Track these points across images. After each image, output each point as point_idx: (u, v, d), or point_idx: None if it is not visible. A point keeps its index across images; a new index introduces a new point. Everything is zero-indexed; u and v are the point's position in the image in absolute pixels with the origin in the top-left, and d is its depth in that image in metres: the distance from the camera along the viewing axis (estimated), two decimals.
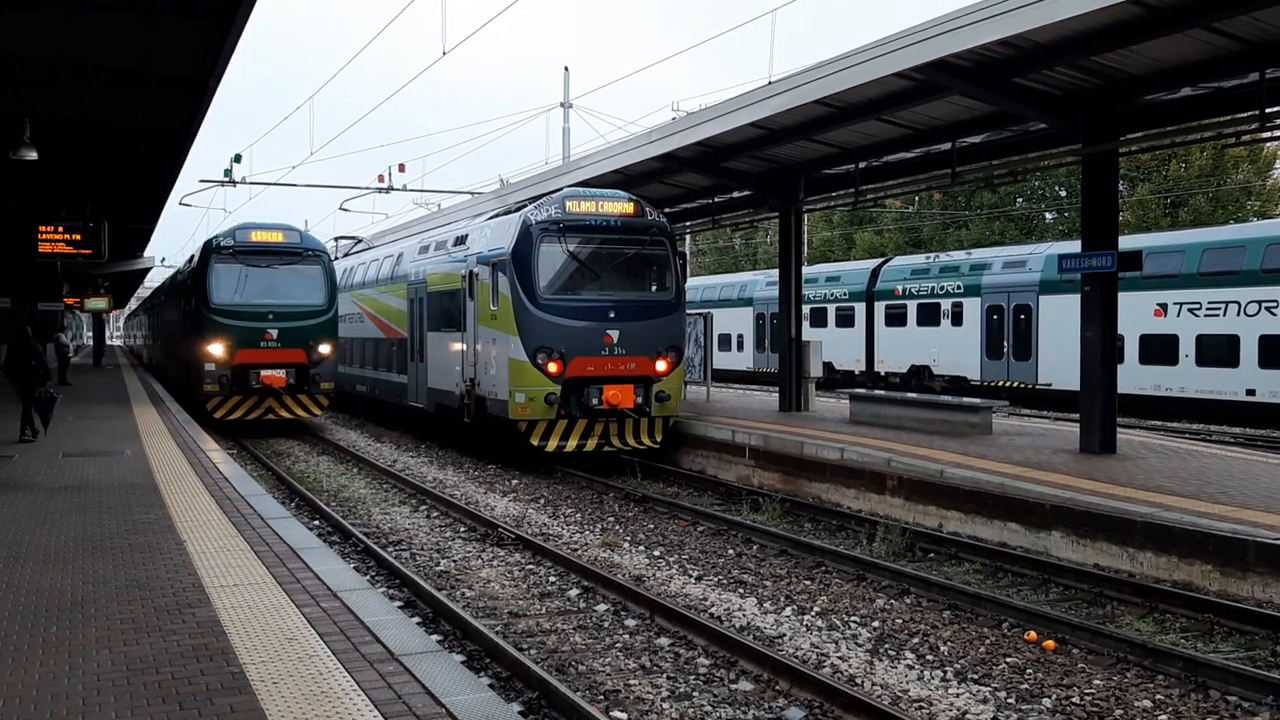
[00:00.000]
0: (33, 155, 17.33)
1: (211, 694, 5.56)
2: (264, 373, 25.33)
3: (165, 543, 9.45)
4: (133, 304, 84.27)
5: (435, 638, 8.64)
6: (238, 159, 38.02)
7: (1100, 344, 16.39)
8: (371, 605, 7.40)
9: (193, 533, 9.91)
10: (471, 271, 20.72)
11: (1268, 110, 13.88)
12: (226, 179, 37.77)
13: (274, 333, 25.48)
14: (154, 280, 58.80)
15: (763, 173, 22.33)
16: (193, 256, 29.77)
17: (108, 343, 72.18)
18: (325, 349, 26.06)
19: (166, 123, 17.77)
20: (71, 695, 5.55)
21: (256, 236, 26.33)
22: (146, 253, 46.06)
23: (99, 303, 50.04)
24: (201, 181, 35.65)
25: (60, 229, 24.55)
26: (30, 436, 17.89)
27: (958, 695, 8.20)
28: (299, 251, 26.59)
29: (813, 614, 10.44)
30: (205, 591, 7.70)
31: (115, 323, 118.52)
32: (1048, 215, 57.29)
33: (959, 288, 35.20)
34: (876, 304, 38.83)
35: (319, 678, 5.80)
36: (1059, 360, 29.73)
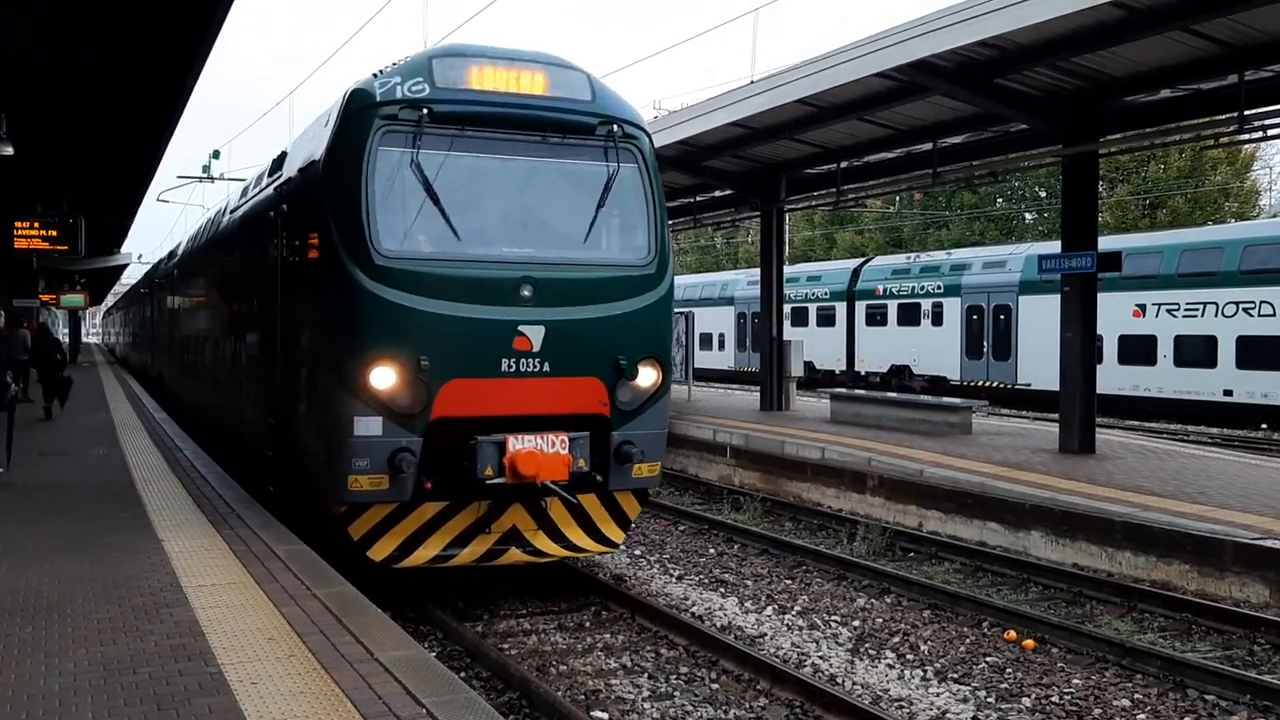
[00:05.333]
0: (8, 151, 17.17)
1: (190, 694, 5.51)
2: (514, 444, 9.39)
3: (144, 542, 9.37)
4: (109, 299, 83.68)
5: (415, 638, 8.59)
6: (216, 155, 37.85)
7: (1079, 344, 16.48)
8: (351, 605, 7.35)
9: (170, 532, 9.83)
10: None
11: (1246, 112, 13.98)
12: (205, 175, 37.56)
13: (533, 335, 9.62)
14: (130, 277, 58.37)
15: (744, 172, 22.35)
16: (280, 158, 12.34)
17: (84, 340, 71.85)
18: (649, 375, 10.19)
19: (143, 118, 17.65)
20: (48, 695, 5.49)
21: (483, 78, 9.92)
22: (123, 249, 45.71)
23: (75, 299, 49.67)
24: (179, 178, 35.50)
25: (36, 224, 24.30)
26: (49, 416, 20.66)
27: (938, 695, 8.22)
28: (586, 122, 10.19)
29: (793, 613, 10.45)
30: (183, 591, 7.64)
31: (92, 319, 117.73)
32: (1027, 216, 57.55)
33: (939, 288, 35.33)
34: (857, 304, 38.93)
35: (298, 678, 5.76)
36: (1038, 360, 29.87)
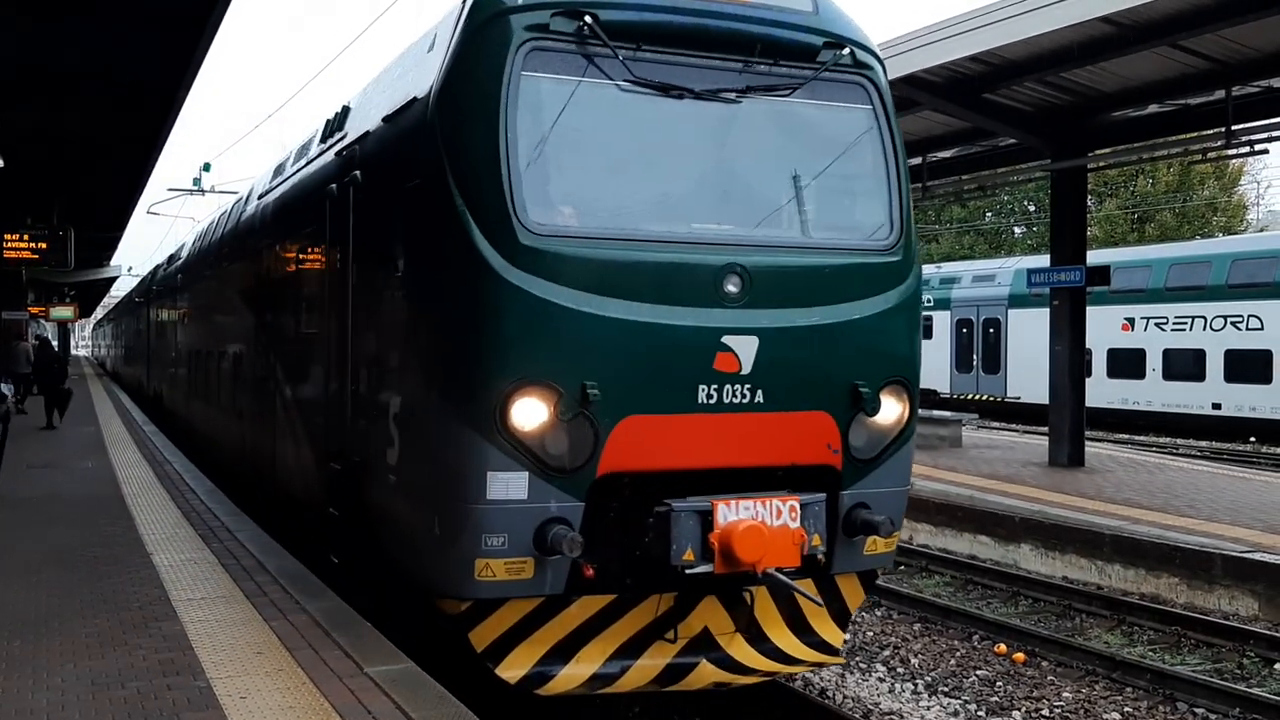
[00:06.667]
0: None
1: (179, 709, 5.48)
2: (725, 513, 6.31)
3: (132, 556, 9.33)
4: (99, 312, 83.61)
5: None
6: (207, 167, 37.82)
7: (1069, 358, 16.53)
8: (341, 618, 7.32)
9: (158, 545, 9.79)
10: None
11: (1234, 127, 14.07)
12: (195, 188, 37.51)
13: (741, 350, 6.59)
14: (121, 289, 58.32)
15: None
16: (340, 115, 9.42)
17: (73, 352, 71.71)
18: (894, 408, 7.13)
19: (134, 131, 17.63)
20: (36, 710, 5.46)
21: None
22: (113, 261, 45.64)
23: (65, 312, 49.47)
24: (170, 190, 35.37)
25: (26, 237, 24.22)
26: (53, 425, 21.57)
27: (929, 708, 8.22)
28: (807, 44, 7.09)
29: None
30: (172, 605, 7.60)
31: (82, 332, 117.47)
32: (1017, 230, 57.79)
33: (928, 301, 35.43)
34: None
35: (288, 692, 5.73)
36: (1028, 373, 29.96)
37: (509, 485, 6.24)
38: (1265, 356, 25.63)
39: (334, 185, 8.43)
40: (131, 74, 14.15)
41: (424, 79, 7.02)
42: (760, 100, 6.97)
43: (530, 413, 6.20)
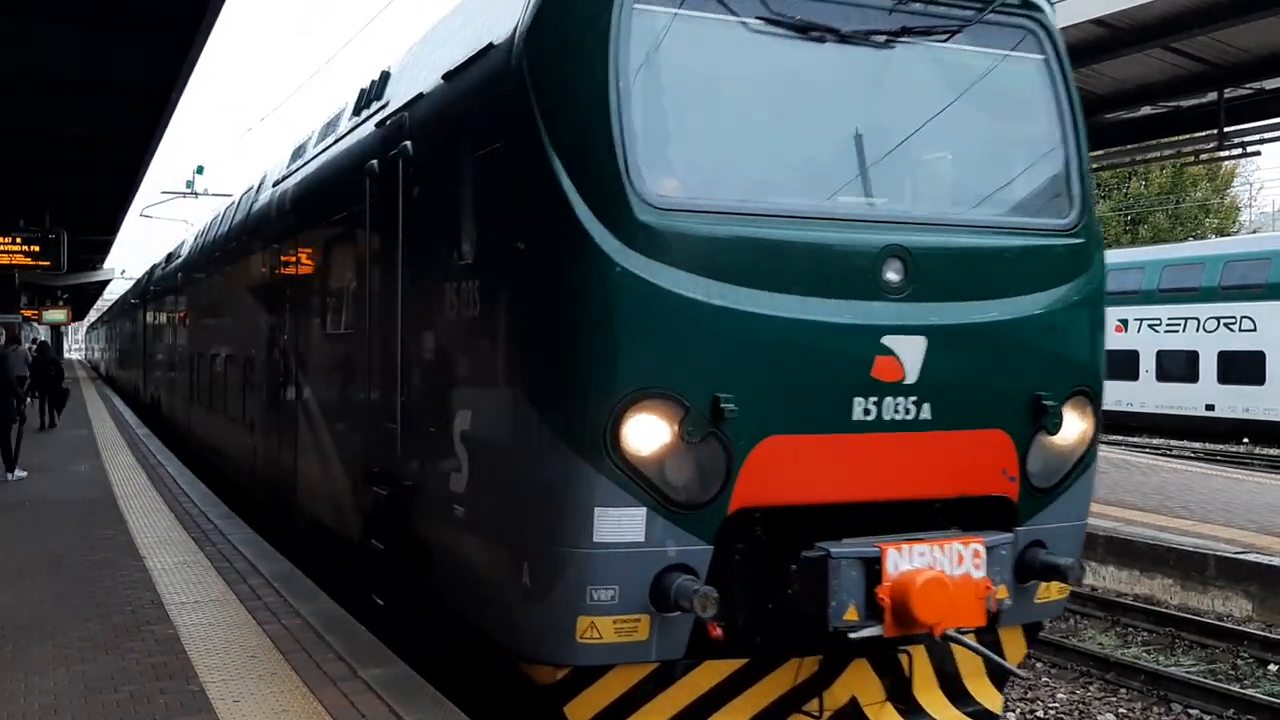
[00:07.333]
0: None
1: (171, 713, 5.46)
2: (897, 561, 5.04)
3: (125, 559, 9.30)
4: (92, 315, 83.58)
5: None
6: (200, 170, 37.80)
7: None
8: (334, 621, 7.30)
9: (152, 549, 9.76)
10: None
11: (1226, 129, 14.10)
12: (189, 190, 37.48)
13: (905, 354, 5.30)
14: (113, 293, 58.21)
15: None
16: (379, 83, 8.14)
17: (66, 355, 71.67)
18: (1076, 425, 5.80)
19: (127, 134, 17.62)
20: (28, 715, 5.44)
21: None
22: (106, 264, 45.60)
23: (58, 315, 49.39)
24: (164, 193, 35.30)
25: (18, 240, 24.21)
26: (47, 425, 22.52)
27: None
28: None
29: None
30: (165, 608, 7.58)
31: (75, 335, 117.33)
32: None
33: None
34: None
35: (281, 696, 5.71)
36: None
37: (621, 524, 4.99)
38: (1258, 358, 25.67)
39: (376, 161, 7.28)
40: (125, 76, 14.14)
41: (502, 21, 5.72)
42: (916, 46, 5.70)
43: (648, 433, 4.98)
